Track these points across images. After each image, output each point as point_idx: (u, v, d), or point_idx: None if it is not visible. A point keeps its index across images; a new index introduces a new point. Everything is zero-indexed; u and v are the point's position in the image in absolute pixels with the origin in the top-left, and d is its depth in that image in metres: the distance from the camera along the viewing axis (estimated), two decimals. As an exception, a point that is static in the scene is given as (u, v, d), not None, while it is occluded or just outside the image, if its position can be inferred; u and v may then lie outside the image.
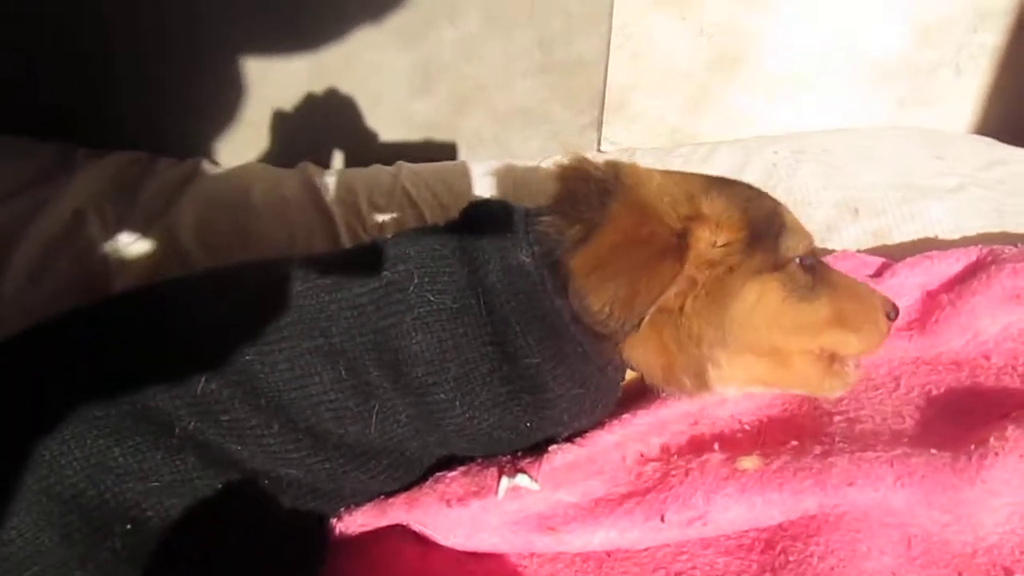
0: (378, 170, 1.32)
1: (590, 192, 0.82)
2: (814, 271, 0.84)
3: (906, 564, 0.79)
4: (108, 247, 1.14)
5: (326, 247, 1.17)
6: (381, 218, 1.20)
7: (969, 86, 1.50)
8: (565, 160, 0.88)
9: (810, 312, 0.84)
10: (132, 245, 1.15)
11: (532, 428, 0.83)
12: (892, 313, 0.87)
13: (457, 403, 0.79)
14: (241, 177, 1.30)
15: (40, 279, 1.11)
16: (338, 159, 1.45)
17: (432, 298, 0.79)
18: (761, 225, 0.81)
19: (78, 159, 1.31)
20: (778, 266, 0.82)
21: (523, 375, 0.80)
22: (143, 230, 1.17)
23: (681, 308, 0.80)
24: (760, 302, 0.81)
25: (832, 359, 0.87)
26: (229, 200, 1.23)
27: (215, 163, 1.39)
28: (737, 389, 0.88)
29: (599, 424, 0.86)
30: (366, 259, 0.83)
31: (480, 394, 0.79)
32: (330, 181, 1.28)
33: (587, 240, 0.78)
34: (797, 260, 0.83)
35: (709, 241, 0.79)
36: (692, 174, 0.87)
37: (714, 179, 0.86)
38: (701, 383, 0.83)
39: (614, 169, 0.83)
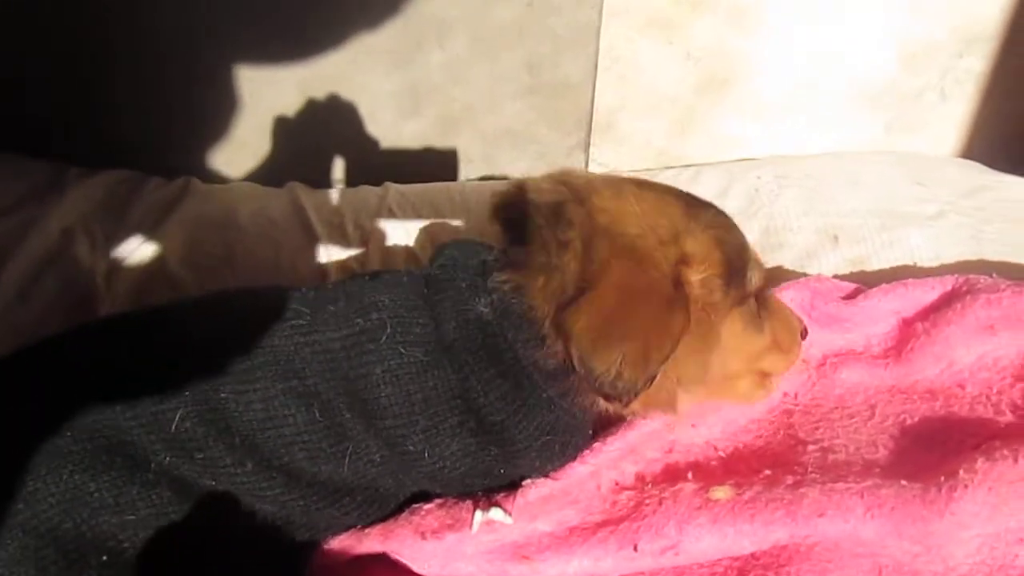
0: (366, 191, 1.33)
1: (546, 225, 0.80)
2: (760, 297, 0.86)
3: (877, 594, 0.80)
4: (95, 267, 1.14)
5: (311, 270, 1.18)
6: (366, 240, 1.21)
7: (955, 111, 1.51)
8: (501, 192, 0.88)
9: (759, 340, 0.86)
10: (119, 265, 1.15)
11: (504, 474, 0.84)
12: (803, 332, 0.91)
13: (426, 454, 0.79)
14: (229, 197, 1.31)
15: (28, 298, 1.12)
16: (326, 179, 1.45)
17: (403, 351, 0.79)
18: (735, 261, 0.81)
19: (69, 177, 1.31)
20: (743, 300, 0.83)
21: (489, 430, 0.80)
22: (131, 250, 1.18)
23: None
24: (731, 337, 0.83)
25: (763, 376, 0.90)
26: (217, 220, 1.23)
27: (205, 181, 1.40)
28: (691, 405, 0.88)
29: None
30: (342, 301, 0.83)
31: (450, 445, 0.80)
32: (317, 202, 1.29)
33: (578, 297, 0.75)
34: (755, 293, 0.85)
35: (698, 283, 0.78)
36: (664, 196, 0.84)
37: (689, 205, 0.84)
38: (671, 409, 0.83)
39: (572, 192, 0.82)
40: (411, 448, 0.79)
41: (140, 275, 1.15)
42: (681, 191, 0.86)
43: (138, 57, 1.34)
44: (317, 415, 0.78)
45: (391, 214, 1.25)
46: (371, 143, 1.44)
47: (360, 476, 0.80)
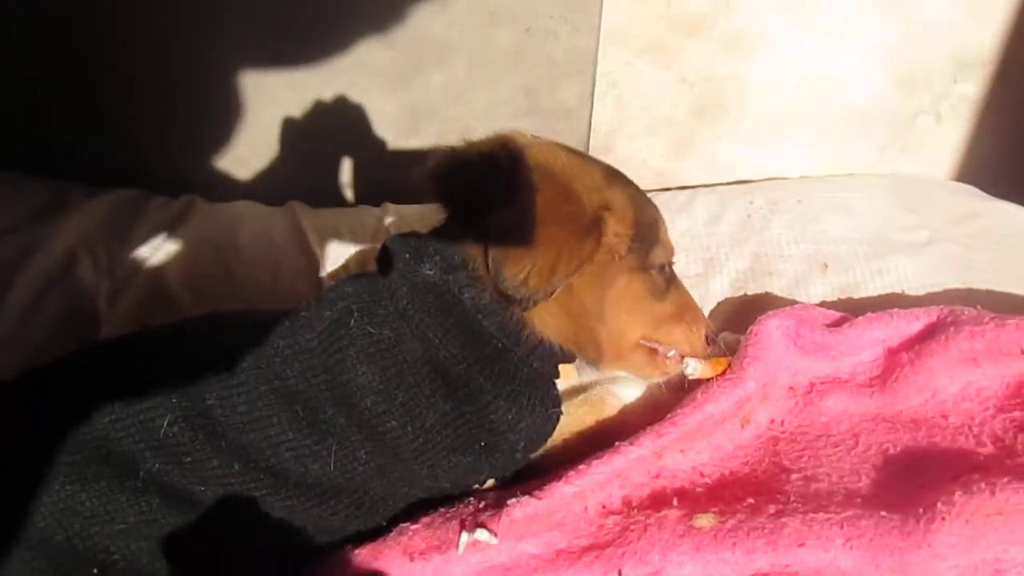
0: (364, 212, 1.35)
1: (487, 177, 0.87)
2: (669, 280, 0.95)
3: (856, 623, 0.81)
4: (98, 288, 1.16)
5: (310, 290, 1.20)
6: (365, 263, 1.23)
7: (949, 134, 1.52)
8: (434, 160, 0.93)
9: (658, 308, 0.93)
10: (121, 287, 1.18)
11: (488, 448, 0.87)
12: (711, 336, 0.98)
13: (409, 428, 0.83)
14: (230, 216, 1.33)
15: (31, 320, 1.14)
16: (326, 197, 1.47)
17: (372, 330, 0.84)
18: (644, 230, 0.91)
19: (72, 197, 1.34)
20: (645, 268, 0.91)
21: (458, 385, 0.85)
22: (132, 271, 1.20)
23: (571, 284, 0.86)
24: (627, 292, 0.90)
25: (654, 352, 0.95)
26: (218, 242, 1.26)
27: (207, 197, 1.42)
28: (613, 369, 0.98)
29: (556, 476, 0.89)
30: (314, 305, 0.88)
31: (428, 416, 0.84)
32: (317, 222, 1.31)
33: (507, 210, 0.83)
34: (658, 267, 0.93)
35: (613, 231, 0.87)
36: (592, 162, 0.94)
37: (612, 172, 0.94)
38: (598, 354, 0.92)
39: (505, 142, 0.90)
40: (393, 423, 0.82)
41: (141, 297, 1.17)
42: (609, 166, 0.95)
43: (144, 77, 1.37)
44: (300, 413, 0.81)
45: (388, 235, 1.26)
46: (371, 162, 1.47)
47: (347, 476, 0.83)
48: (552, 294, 0.84)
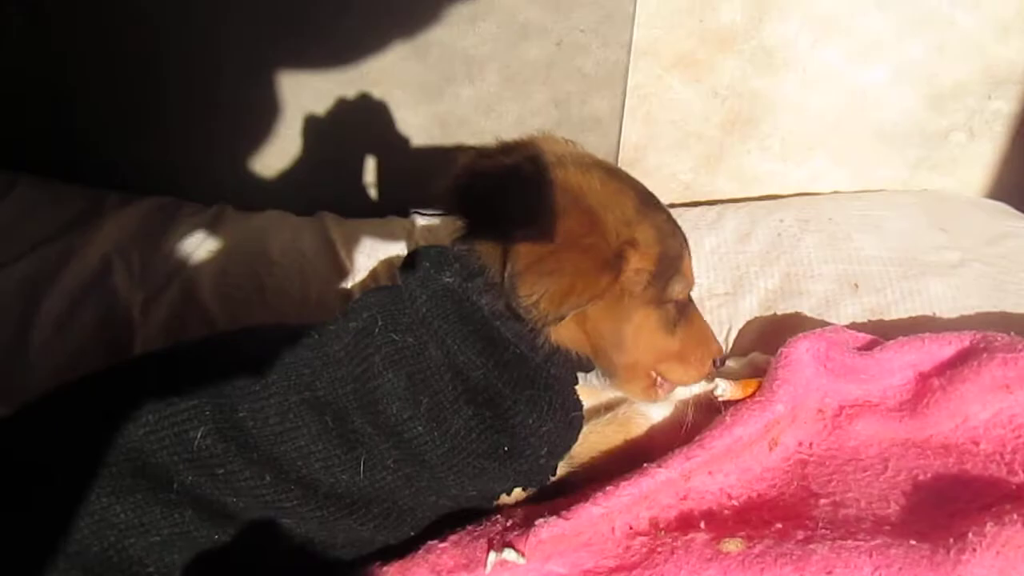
0: (393, 223, 1.36)
1: (512, 189, 0.87)
2: (683, 309, 0.93)
3: (883, 652, 0.81)
4: (132, 298, 1.18)
5: (339, 300, 1.21)
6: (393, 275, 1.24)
7: (982, 151, 1.51)
8: (458, 167, 0.93)
9: (666, 344, 0.92)
10: (154, 296, 1.19)
11: (511, 453, 0.87)
12: (718, 360, 0.96)
13: (435, 433, 0.84)
14: (261, 226, 1.35)
15: (67, 327, 1.16)
16: (356, 206, 1.48)
17: (396, 337, 0.86)
18: (666, 265, 0.89)
19: (107, 205, 1.36)
20: (661, 303, 0.90)
21: (478, 390, 0.85)
22: (165, 279, 1.22)
23: (585, 310, 0.86)
24: (641, 329, 0.89)
25: (656, 379, 0.95)
26: (248, 250, 1.27)
27: (237, 206, 1.43)
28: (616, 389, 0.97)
29: (584, 496, 0.89)
30: (340, 319, 0.89)
31: (452, 421, 0.85)
32: (346, 233, 1.32)
33: (532, 228, 0.83)
34: (674, 301, 0.91)
35: (634, 267, 0.86)
36: (625, 188, 0.91)
37: (645, 203, 0.91)
38: (611, 372, 0.92)
39: (534, 156, 0.90)
40: (419, 429, 0.84)
41: (175, 305, 1.19)
42: (645, 189, 0.93)
43: (178, 88, 1.39)
44: (330, 423, 0.83)
45: (417, 246, 1.27)
46: (400, 173, 1.47)
47: (376, 485, 0.84)
48: (563, 319, 0.84)
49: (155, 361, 0.91)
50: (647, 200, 0.91)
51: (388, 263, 1.25)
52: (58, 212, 1.33)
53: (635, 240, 0.86)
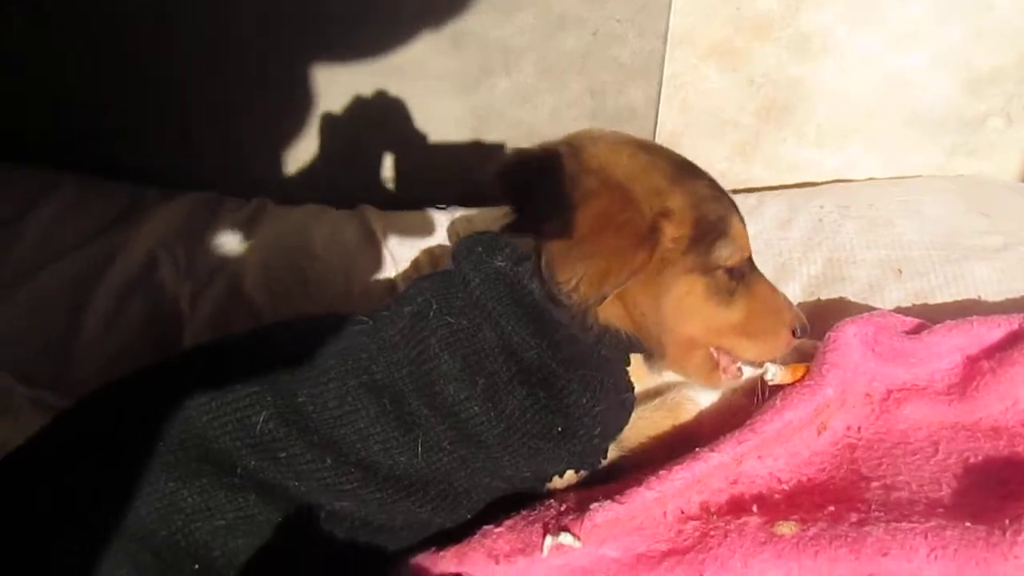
0: (431, 214, 1.37)
1: (546, 178, 0.88)
2: (742, 277, 0.92)
3: (939, 633, 0.81)
4: (179, 292, 1.20)
5: (383, 291, 1.22)
6: (436, 265, 1.25)
7: (1020, 136, 1.50)
8: (499, 160, 0.95)
9: (724, 316, 0.91)
10: (201, 290, 1.21)
11: (565, 433, 0.88)
12: (798, 331, 0.94)
13: (492, 413, 0.85)
14: (302, 221, 1.36)
15: (116, 323, 1.18)
16: (394, 199, 1.50)
17: (451, 319, 0.87)
18: (705, 228, 0.88)
19: (149, 200, 1.38)
20: (707, 269, 0.89)
21: (532, 371, 0.86)
22: (211, 274, 1.23)
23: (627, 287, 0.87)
24: (686, 298, 0.89)
25: (724, 357, 0.94)
26: (290, 244, 1.29)
27: (277, 201, 1.45)
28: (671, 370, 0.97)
29: (636, 481, 0.89)
30: (394, 304, 0.91)
31: (507, 402, 0.86)
32: (385, 224, 1.33)
33: (562, 215, 0.84)
34: (724, 268, 0.90)
35: (671, 237, 0.86)
36: (658, 159, 0.91)
37: (681, 170, 0.91)
38: (660, 352, 0.92)
39: (569, 146, 0.91)
40: (476, 409, 0.85)
41: (221, 298, 1.20)
42: (682, 159, 0.93)
43: (212, 83, 1.40)
44: (388, 406, 0.84)
45: (458, 236, 1.28)
46: (437, 165, 1.48)
47: (434, 467, 0.85)
48: (604, 300, 0.85)
49: (209, 352, 0.92)
50: (683, 168, 0.92)
51: (429, 253, 1.26)
52: (100, 208, 1.35)
53: (668, 209, 0.87)
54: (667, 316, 0.90)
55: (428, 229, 1.33)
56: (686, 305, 0.90)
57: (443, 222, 1.34)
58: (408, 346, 0.86)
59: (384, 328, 0.88)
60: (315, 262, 1.25)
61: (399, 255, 1.28)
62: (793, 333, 0.94)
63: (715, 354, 0.94)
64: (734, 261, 0.91)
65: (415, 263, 1.25)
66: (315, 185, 1.48)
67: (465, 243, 0.92)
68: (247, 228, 1.32)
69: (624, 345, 0.92)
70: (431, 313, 0.87)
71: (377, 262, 1.26)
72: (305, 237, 1.30)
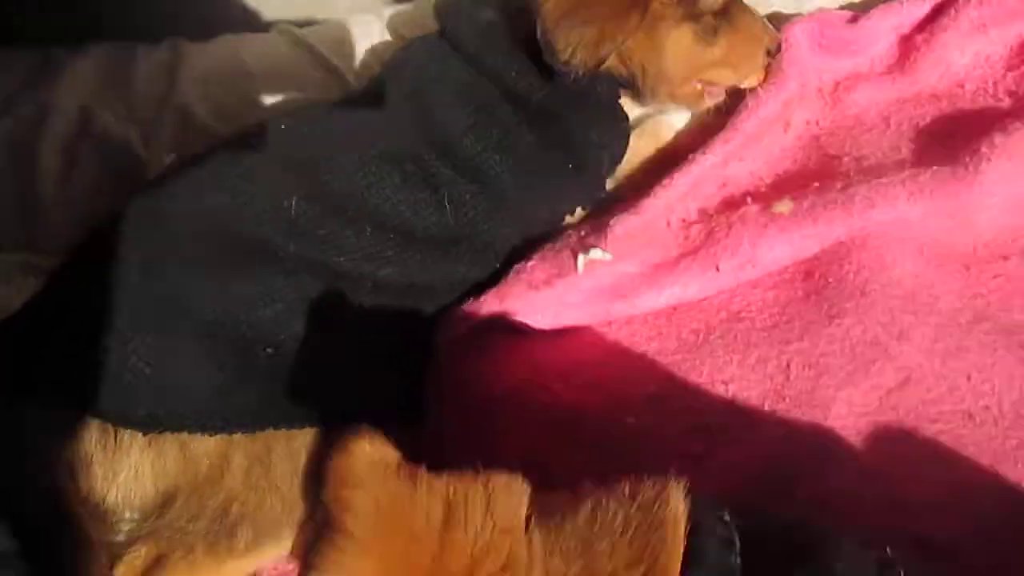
0: (363, 19, 1.33)
1: None
2: (725, 13, 0.96)
3: (923, 267, 0.93)
4: (129, 135, 1.16)
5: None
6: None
7: None
8: None
9: (709, 54, 0.97)
10: (151, 131, 1.17)
11: (576, 168, 0.94)
12: (774, 48, 1.01)
13: (510, 160, 0.90)
14: (225, 49, 1.30)
15: (70, 178, 1.13)
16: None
17: (454, 75, 0.91)
18: None
19: (56, 59, 1.29)
20: (695, 16, 0.94)
21: (539, 113, 0.91)
22: (155, 116, 1.19)
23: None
24: (677, 47, 0.94)
25: (708, 85, 1.01)
26: (226, 71, 1.24)
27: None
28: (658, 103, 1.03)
29: (646, 194, 0.97)
30: (386, 75, 0.94)
31: (520, 148, 0.91)
32: (318, 37, 1.29)
33: None
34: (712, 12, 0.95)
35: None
36: None
37: None
38: (652, 93, 0.98)
39: None
40: (495, 159, 0.89)
41: (176, 135, 1.16)
42: None
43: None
44: (409, 170, 0.87)
45: (401, 37, 1.25)
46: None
47: (461, 222, 0.89)
48: (602, 63, 0.89)
49: (216, 157, 0.91)
50: None
51: (373, 52, 1.24)
52: (7, 77, 1.26)
53: None
54: (664, 67, 0.95)
55: (360, 35, 1.29)
56: (678, 52, 0.95)
57: (376, 25, 1.31)
58: (416, 110, 0.88)
59: (382, 98, 0.89)
60: (257, 82, 1.22)
61: (340, 63, 1.25)
62: (768, 53, 1.01)
63: (699, 85, 1.00)
64: (719, 6, 0.96)
65: (364, 64, 1.23)
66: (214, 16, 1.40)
67: (446, 4, 0.94)
68: (173, 66, 1.26)
69: (617, 83, 0.97)
70: (430, 74, 0.89)
71: (324, 71, 1.23)
72: (237, 62, 1.25)
